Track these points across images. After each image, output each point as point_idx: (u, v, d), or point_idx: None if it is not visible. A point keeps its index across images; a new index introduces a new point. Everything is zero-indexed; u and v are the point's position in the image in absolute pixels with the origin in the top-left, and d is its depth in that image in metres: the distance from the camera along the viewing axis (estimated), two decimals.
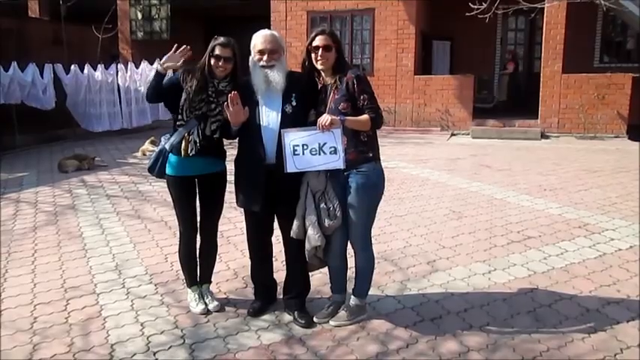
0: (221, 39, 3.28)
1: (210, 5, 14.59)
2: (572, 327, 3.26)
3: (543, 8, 10.44)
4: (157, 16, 13.41)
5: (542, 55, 11.48)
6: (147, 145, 9.54)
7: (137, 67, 12.00)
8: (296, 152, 3.09)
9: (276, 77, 3.17)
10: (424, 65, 13.01)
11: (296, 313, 3.39)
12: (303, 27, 12.58)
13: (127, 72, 11.85)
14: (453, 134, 11.83)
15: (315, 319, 3.35)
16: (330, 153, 3.07)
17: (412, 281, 3.96)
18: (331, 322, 3.32)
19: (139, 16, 13.48)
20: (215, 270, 4.20)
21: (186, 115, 3.29)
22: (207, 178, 3.45)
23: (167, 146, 3.35)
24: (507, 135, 11.20)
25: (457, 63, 13.61)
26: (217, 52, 3.25)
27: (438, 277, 4.04)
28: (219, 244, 4.78)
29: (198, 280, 3.64)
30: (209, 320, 3.41)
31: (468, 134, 11.63)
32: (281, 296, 3.58)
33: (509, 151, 9.80)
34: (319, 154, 3.08)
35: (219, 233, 5.09)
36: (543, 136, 11.22)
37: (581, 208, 5.86)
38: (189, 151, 3.30)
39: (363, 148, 3.16)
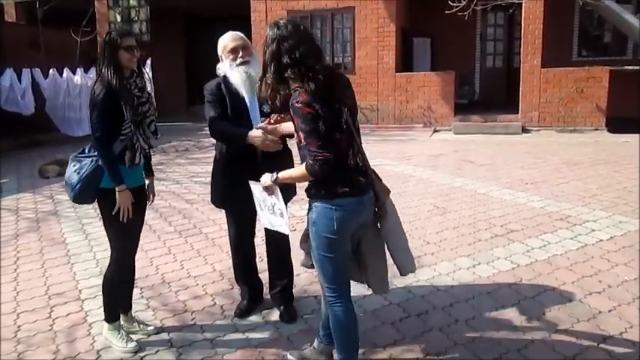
0: (119, 30, 3.05)
1: (189, 5, 14.50)
2: (556, 318, 3.30)
3: (521, 3, 10.56)
4: (136, 18, 13.31)
5: (522, 50, 11.61)
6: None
7: None
8: (261, 207, 2.79)
9: (255, 71, 3.08)
10: (405, 62, 13.07)
11: (282, 308, 3.42)
12: None
13: None
14: (435, 130, 11.91)
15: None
16: (280, 215, 2.67)
17: (398, 277, 3.95)
18: None
19: (118, 18, 13.36)
20: (201, 272, 4.22)
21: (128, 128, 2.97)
22: (141, 190, 3.18)
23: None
24: (489, 130, 11.30)
25: (438, 59, 13.69)
26: (128, 42, 2.94)
27: (423, 272, 4.07)
28: (204, 246, 4.81)
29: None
30: (196, 323, 3.40)
31: (450, 130, 11.71)
32: (267, 296, 3.58)
33: (490, 145, 9.89)
34: (274, 214, 2.70)
35: (203, 235, 5.13)
36: (524, 130, 11.34)
37: (563, 200, 5.93)
38: (136, 160, 3.00)
39: (314, 183, 2.48)
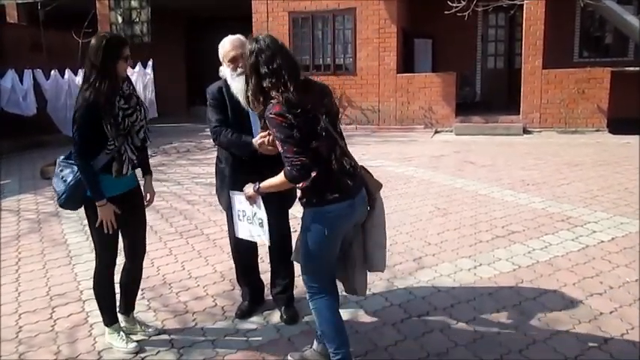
0: (118, 37, 2.95)
1: (190, 6, 14.50)
2: (557, 319, 3.30)
3: (522, 5, 10.56)
4: (137, 19, 13.31)
5: (523, 51, 11.60)
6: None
7: None
8: (239, 218, 2.86)
9: None
10: (406, 63, 13.08)
11: (283, 309, 3.42)
12: (285, 28, 12.57)
13: None
14: (436, 131, 11.90)
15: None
16: (259, 225, 2.76)
17: (399, 279, 3.99)
18: None
19: (119, 19, 13.37)
20: (202, 273, 4.22)
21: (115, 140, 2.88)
22: (135, 192, 3.14)
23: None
24: (490, 131, 11.29)
25: (439, 60, 13.69)
26: (128, 52, 2.87)
27: (425, 273, 4.07)
28: (205, 247, 4.81)
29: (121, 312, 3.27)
30: (197, 324, 3.41)
31: (452, 131, 11.70)
32: (268, 297, 3.59)
33: (492, 147, 9.89)
34: (253, 223, 2.78)
35: (204, 236, 5.12)
36: (525, 131, 11.33)
37: (564, 201, 5.93)
38: (123, 172, 2.92)
39: (305, 192, 2.56)
